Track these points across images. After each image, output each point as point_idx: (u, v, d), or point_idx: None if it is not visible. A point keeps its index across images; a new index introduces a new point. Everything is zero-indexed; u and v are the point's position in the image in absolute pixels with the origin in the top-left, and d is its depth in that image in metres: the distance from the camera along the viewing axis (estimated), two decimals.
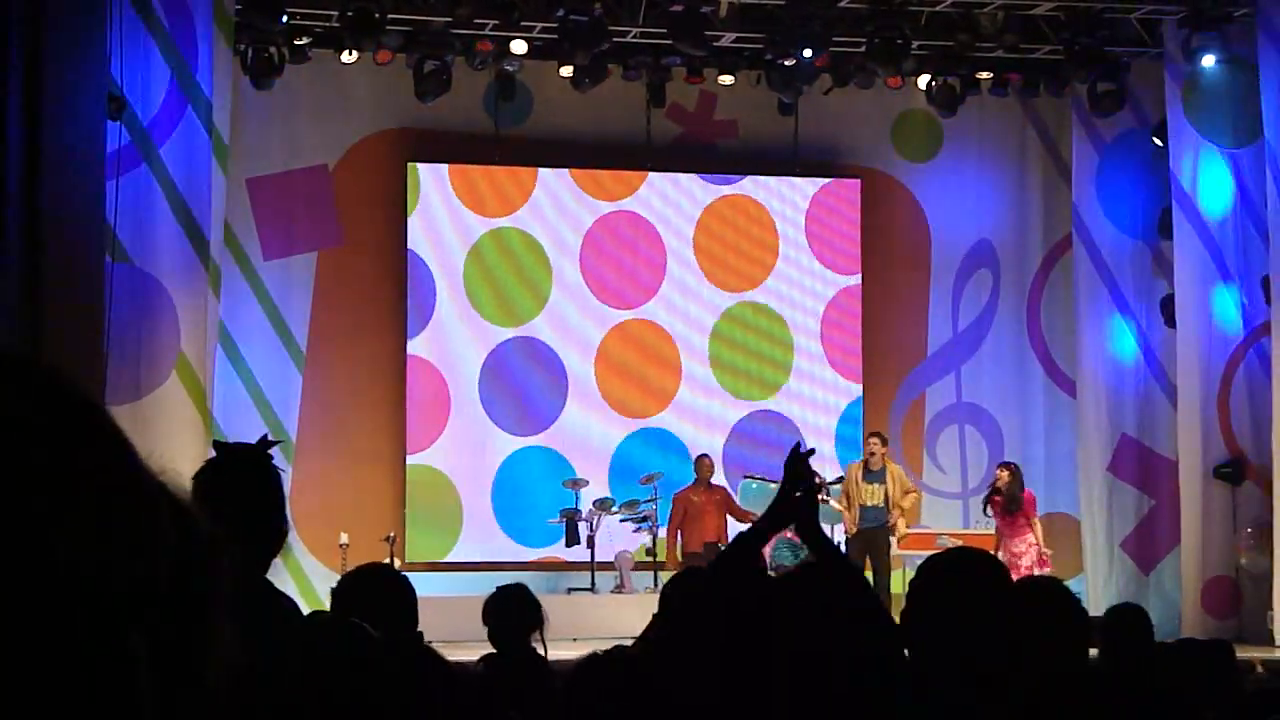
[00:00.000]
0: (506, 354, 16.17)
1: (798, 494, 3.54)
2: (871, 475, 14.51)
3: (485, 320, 16.14)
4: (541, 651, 5.70)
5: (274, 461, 3.45)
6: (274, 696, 2.77)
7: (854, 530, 14.32)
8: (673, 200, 16.68)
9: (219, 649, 1.03)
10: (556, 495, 15.42)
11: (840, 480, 14.81)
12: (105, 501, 0.96)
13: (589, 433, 16.14)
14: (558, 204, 16.39)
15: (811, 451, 3.70)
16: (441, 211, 16.14)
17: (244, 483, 3.28)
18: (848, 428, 16.72)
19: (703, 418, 16.43)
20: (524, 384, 16.16)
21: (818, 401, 16.79)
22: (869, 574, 14.14)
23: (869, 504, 14.33)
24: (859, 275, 16.91)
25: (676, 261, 16.64)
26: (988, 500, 14.36)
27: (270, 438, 3.58)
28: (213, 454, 3.44)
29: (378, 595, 4.31)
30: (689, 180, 16.72)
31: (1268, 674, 9.97)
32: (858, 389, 16.87)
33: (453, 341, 16.08)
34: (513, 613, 5.76)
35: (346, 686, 2.42)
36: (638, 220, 16.55)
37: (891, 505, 14.38)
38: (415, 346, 15.99)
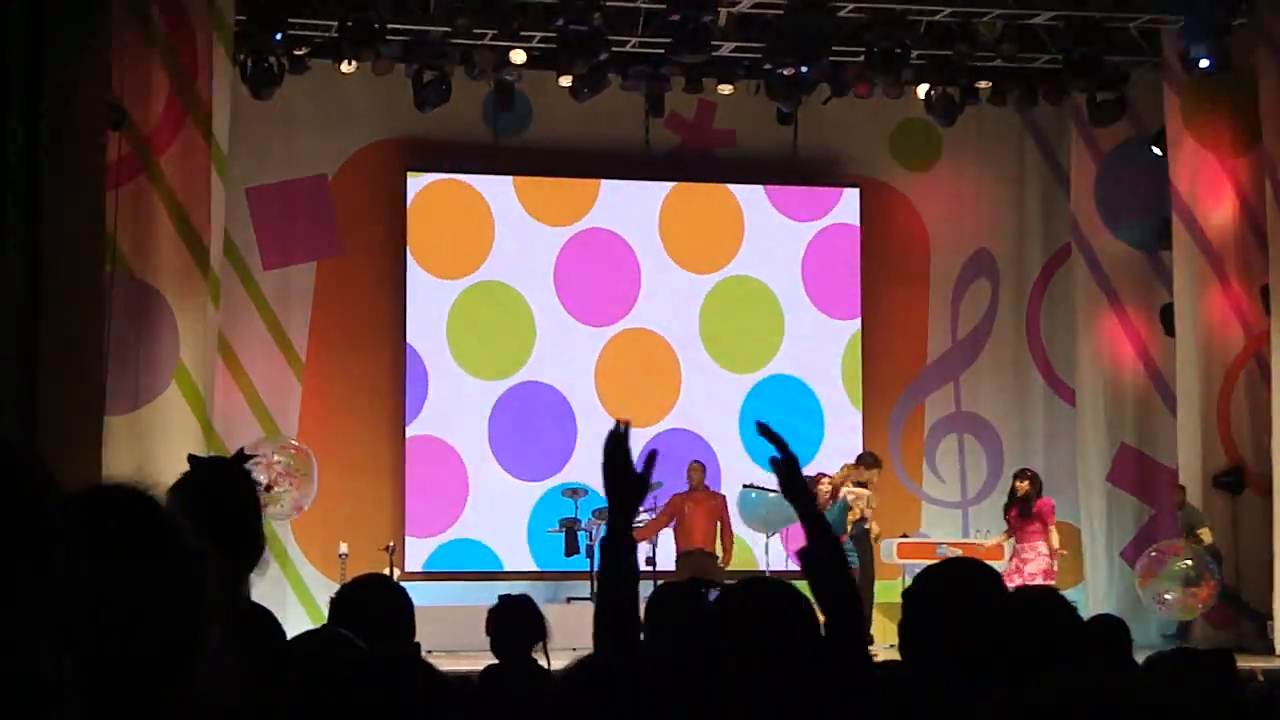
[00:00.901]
0: (510, 401, 16.19)
1: (622, 473, 3.40)
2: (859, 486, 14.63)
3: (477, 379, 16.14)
4: (543, 663, 5.70)
5: (250, 475, 3.45)
6: (259, 706, 2.78)
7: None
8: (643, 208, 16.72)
9: (206, 660, 1.04)
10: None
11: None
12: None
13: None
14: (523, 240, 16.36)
15: (627, 423, 3.48)
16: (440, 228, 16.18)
17: (219, 497, 3.27)
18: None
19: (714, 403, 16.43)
20: (534, 426, 16.14)
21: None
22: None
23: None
24: (859, 319, 16.90)
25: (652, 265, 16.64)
26: (1008, 509, 14.47)
27: (247, 451, 3.57)
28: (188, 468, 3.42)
29: (375, 606, 4.31)
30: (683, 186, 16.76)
31: (1267, 683, 9.94)
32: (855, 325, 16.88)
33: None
34: (515, 625, 5.77)
35: (332, 697, 2.43)
36: (604, 234, 16.53)
37: (870, 515, 14.53)
38: (414, 358, 16.00)
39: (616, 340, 16.48)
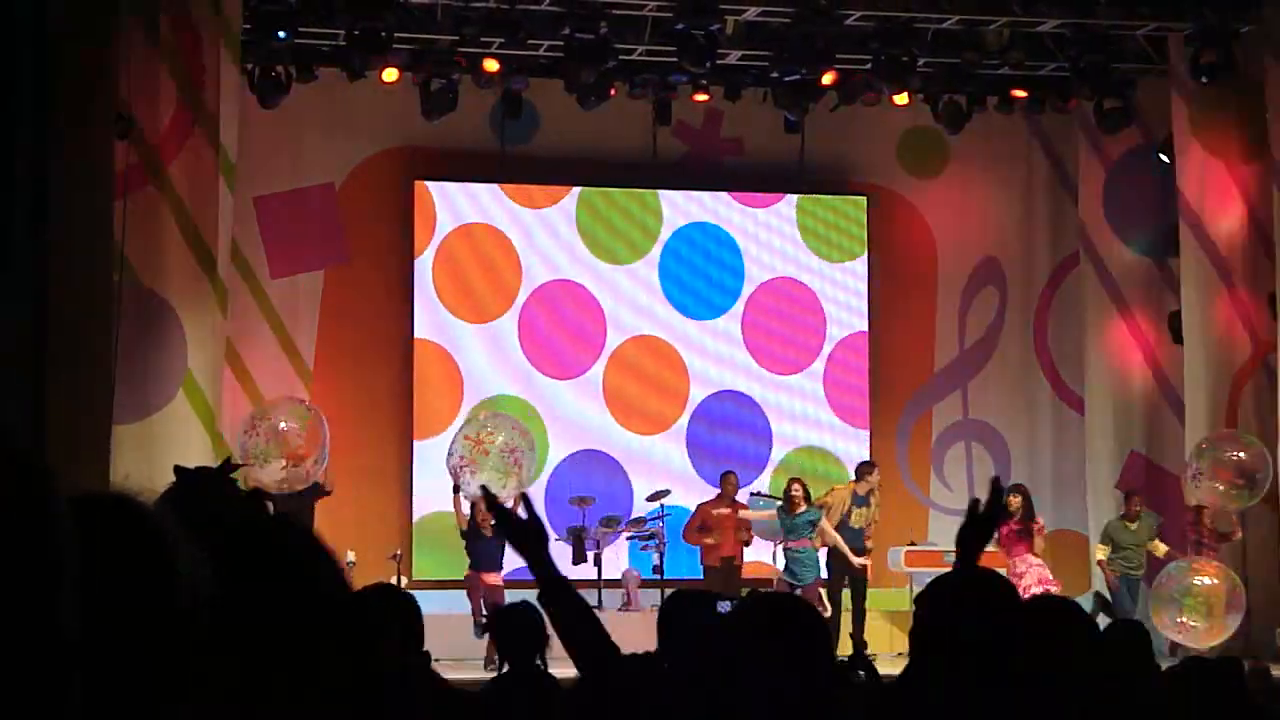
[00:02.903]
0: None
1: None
2: (860, 500, 14.60)
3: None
4: (549, 672, 5.69)
5: (235, 485, 3.46)
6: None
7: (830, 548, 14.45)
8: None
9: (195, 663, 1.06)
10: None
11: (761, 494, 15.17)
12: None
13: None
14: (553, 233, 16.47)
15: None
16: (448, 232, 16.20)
17: (206, 508, 3.27)
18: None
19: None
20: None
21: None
22: (846, 590, 14.40)
23: (856, 526, 14.46)
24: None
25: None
26: (999, 525, 14.33)
27: (234, 460, 3.58)
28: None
29: (385, 615, 4.31)
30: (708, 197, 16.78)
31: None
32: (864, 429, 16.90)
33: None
34: (517, 632, 5.76)
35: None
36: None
37: (869, 531, 14.62)
38: (421, 363, 16.01)
39: (628, 343, 16.53)
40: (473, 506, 13.78)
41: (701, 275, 16.72)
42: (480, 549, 13.80)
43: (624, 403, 16.38)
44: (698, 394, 16.59)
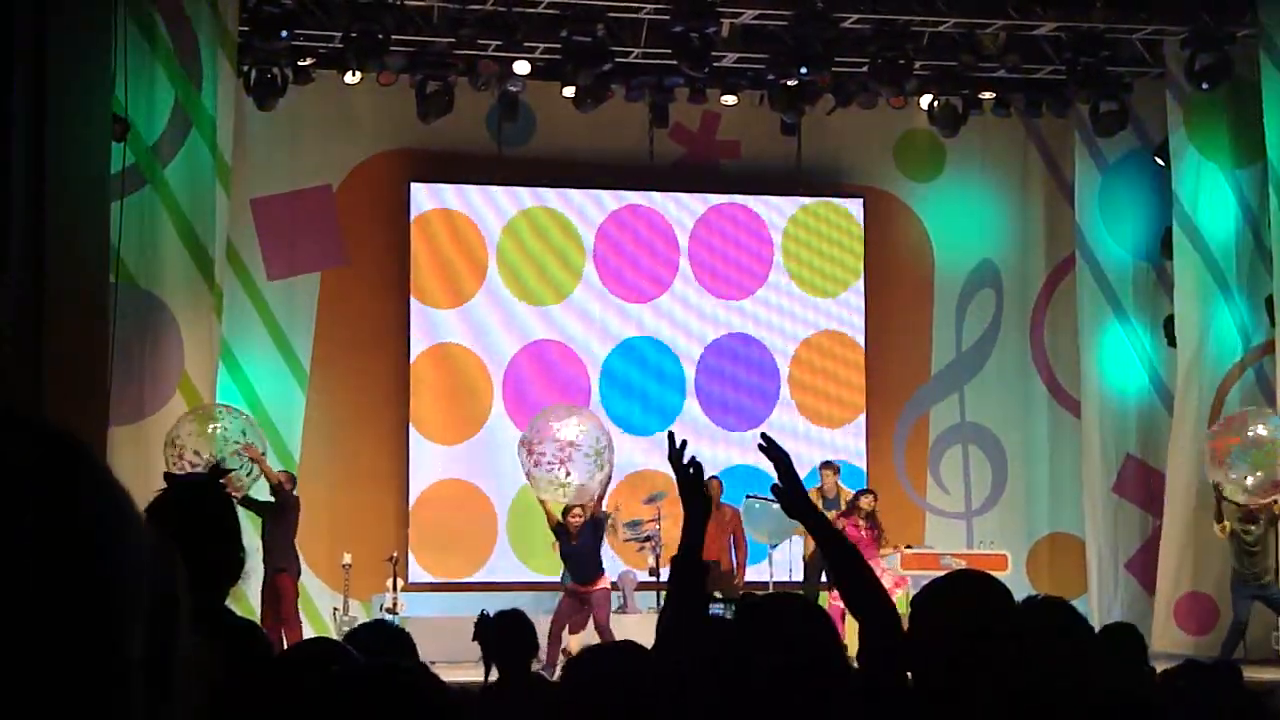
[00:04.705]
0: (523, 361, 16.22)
1: (693, 485, 3.55)
2: (829, 504, 14.46)
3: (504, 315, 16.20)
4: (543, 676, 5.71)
5: (225, 491, 3.48)
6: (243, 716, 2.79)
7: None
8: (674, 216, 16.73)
9: (181, 661, 1.06)
10: None
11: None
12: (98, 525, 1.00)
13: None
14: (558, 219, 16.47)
15: (685, 443, 3.70)
16: (443, 232, 16.19)
17: (194, 514, 3.29)
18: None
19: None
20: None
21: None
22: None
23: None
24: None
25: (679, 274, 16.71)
26: (846, 516, 14.04)
27: (223, 466, 3.60)
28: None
29: (379, 651, 4.30)
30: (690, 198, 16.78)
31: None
32: (860, 418, 16.88)
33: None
34: (513, 637, 5.75)
35: (328, 707, 2.43)
36: (650, 215, 16.60)
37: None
38: (418, 366, 16.01)
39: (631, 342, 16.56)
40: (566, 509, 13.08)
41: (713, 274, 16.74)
42: (569, 554, 13.20)
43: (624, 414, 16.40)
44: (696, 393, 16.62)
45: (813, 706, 2.83)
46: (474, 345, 16.17)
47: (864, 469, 16.45)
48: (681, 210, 16.73)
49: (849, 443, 16.76)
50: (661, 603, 6.78)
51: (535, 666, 5.08)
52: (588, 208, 16.52)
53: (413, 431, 15.93)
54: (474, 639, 5.76)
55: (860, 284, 16.98)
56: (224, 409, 13.39)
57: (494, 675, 5.68)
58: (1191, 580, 15.29)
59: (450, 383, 16.08)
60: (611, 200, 16.55)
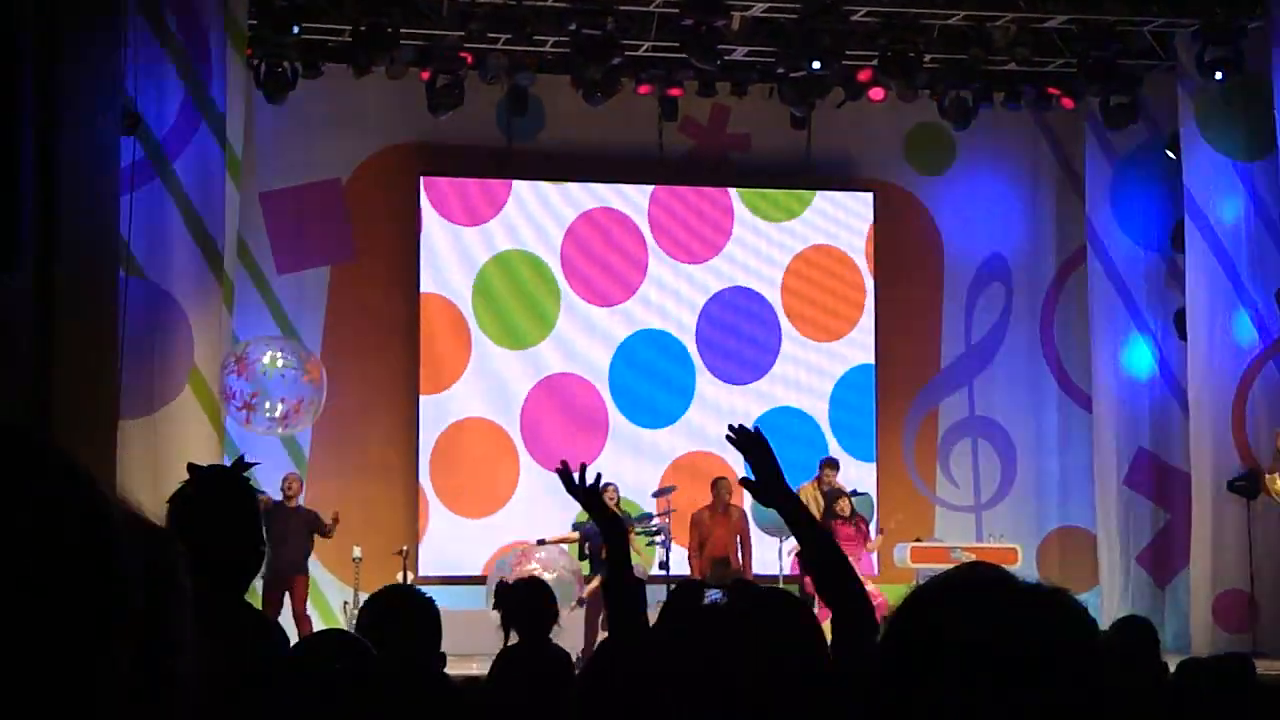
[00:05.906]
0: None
1: (595, 504, 3.60)
2: (830, 497, 14.41)
3: (492, 342, 16.18)
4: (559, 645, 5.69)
5: (249, 483, 3.46)
6: (252, 707, 2.79)
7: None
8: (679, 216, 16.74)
9: (182, 659, 1.05)
10: None
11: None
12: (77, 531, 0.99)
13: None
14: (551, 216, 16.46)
15: (583, 467, 3.89)
16: (449, 229, 16.20)
17: (217, 505, 3.28)
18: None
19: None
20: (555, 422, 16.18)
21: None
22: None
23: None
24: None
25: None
26: (828, 516, 13.99)
27: (246, 459, 3.59)
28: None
29: (403, 617, 4.29)
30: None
31: None
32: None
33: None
34: (531, 604, 5.73)
35: (338, 697, 2.42)
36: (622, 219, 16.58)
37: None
38: (427, 359, 16.02)
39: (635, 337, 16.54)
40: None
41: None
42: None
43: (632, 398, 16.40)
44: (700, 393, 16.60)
45: (787, 696, 2.83)
46: (486, 337, 16.19)
47: (873, 407, 16.51)
48: (632, 203, 16.61)
49: (856, 354, 16.77)
50: (665, 597, 6.77)
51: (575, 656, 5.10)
52: (583, 201, 16.53)
53: (423, 425, 15.93)
54: (494, 607, 5.80)
55: (869, 276, 16.96)
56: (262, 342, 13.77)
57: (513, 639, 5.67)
58: (1227, 578, 15.27)
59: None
60: (587, 199, 16.50)
